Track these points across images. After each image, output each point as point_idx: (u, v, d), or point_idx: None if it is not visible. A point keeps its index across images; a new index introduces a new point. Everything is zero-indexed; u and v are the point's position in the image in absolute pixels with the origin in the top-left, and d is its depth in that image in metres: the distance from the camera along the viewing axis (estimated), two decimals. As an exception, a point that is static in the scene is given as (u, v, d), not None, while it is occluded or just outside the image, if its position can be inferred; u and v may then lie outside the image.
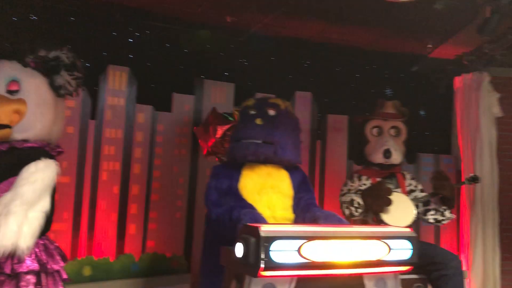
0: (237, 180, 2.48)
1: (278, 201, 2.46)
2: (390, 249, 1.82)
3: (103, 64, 3.40)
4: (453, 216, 3.12)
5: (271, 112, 2.53)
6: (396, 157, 3.16)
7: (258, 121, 2.47)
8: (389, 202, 2.92)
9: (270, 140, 2.43)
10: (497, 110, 4.14)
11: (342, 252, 1.75)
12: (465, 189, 4.09)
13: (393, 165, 3.20)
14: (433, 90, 4.65)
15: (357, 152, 3.41)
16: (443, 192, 3.01)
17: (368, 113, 3.37)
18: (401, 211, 3.01)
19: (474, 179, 3.22)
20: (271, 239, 1.65)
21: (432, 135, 4.64)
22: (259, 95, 3.40)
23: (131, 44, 3.85)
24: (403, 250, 1.85)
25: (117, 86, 3.39)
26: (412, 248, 1.86)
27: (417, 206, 3.15)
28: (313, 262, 1.69)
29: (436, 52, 4.24)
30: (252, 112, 2.55)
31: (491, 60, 4.00)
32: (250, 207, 2.28)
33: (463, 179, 3.83)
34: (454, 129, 4.37)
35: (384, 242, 1.82)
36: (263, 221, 2.12)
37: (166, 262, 3.41)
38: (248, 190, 2.44)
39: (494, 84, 4.21)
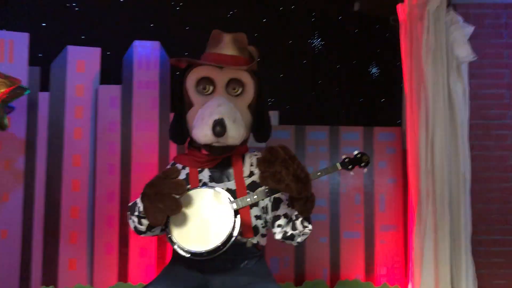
0: None
1: None
2: None
3: None
4: (308, 229, 1.68)
5: None
6: (234, 134, 1.78)
7: None
8: (175, 207, 1.57)
9: None
10: (465, 52, 2.53)
11: None
12: (422, 181, 2.50)
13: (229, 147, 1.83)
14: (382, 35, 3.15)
15: (174, 122, 2.04)
16: (278, 186, 1.59)
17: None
18: (209, 220, 1.65)
19: (356, 161, 1.73)
20: None
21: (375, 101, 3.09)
22: None
23: None
24: None
25: None
26: None
27: (263, 210, 1.78)
28: None
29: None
30: None
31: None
32: None
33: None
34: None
35: None
36: None
37: None
38: None
39: (464, 15, 2.62)
